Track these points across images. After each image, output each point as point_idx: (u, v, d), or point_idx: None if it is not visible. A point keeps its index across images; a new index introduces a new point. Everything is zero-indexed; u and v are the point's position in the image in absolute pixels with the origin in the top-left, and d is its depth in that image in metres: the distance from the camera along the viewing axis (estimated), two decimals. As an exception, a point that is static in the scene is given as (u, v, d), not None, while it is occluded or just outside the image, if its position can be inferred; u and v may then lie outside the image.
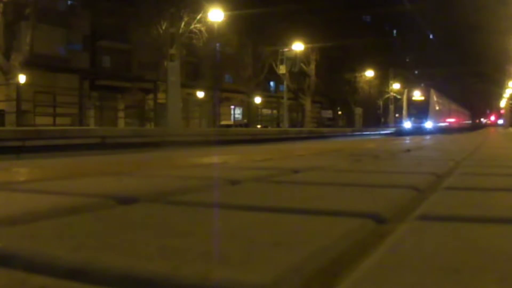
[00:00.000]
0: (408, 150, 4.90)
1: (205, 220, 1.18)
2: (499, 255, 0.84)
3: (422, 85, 41.31)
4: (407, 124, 35.88)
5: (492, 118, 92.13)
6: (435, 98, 38.48)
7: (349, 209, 1.28)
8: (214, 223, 1.16)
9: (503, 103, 64.34)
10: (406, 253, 0.86)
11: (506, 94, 54.79)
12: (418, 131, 30.27)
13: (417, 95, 37.53)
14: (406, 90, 38.52)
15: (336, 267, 0.80)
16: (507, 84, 47.56)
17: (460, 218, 1.19)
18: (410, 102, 36.82)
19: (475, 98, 72.98)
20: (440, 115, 39.92)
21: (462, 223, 1.13)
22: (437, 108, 38.78)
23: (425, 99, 36.96)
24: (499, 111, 78.63)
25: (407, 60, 58.46)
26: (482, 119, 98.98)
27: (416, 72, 49.29)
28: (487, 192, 1.72)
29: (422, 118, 35.77)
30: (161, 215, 1.26)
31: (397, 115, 44.84)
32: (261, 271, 0.73)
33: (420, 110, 36.01)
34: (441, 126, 37.28)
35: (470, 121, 65.60)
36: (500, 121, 74.40)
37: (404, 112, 37.30)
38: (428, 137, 14.40)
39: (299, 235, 0.99)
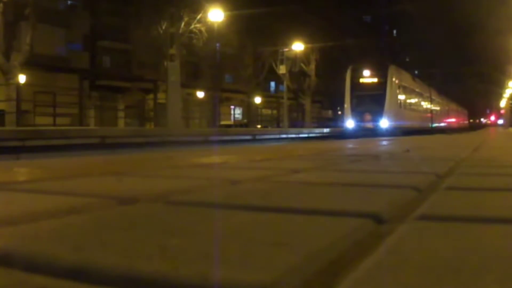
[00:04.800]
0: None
1: (205, 220, 1.18)
2: (499, 255, 0.84)
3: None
4: (350, 123, 23.73)
5: (492, 118, 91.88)
6: (397, 81, 24.78)
7: (349, 209, 1.28)
8: (214, 223, 1.16)
9: (503, 103, 64.29)
10: (406, 253, 0.86)
11: (506, 94, 54.69)
12: (369, 133, 20.52)
13: (367, 75, 24.45)
14: (349, 69, 24.90)
15: (336, 267, 0.80)
16: (507, 84, 47.47)
17: (460, 218, 1.19)
18: (356, 87, 24.18)
19: (475, 98, 72.78)
20: (409, 110, 27.55)
21: (462, 223, 1.13)
22: (401, 97, 25.72)
23: (379, 82, 23.95)
24: (499, 111, 78.43)
25: (407, 60, 58.43)
26: (482, 119, 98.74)
27: (416, 72, 48.78)
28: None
29: (375, 114, 23.39)
30: (161, 215, 1.26)
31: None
32: (260, 271, 0.73)
33: (371, 100, 23.48)
34: (410, 126, 25.49)
35: (466, 121, 61.08)
36: (500, 121, 74.20)
37: (347, 104, 24.34)
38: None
39: (299, 235, 0.99)
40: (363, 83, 24.28)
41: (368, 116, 23.47)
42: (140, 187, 1.80)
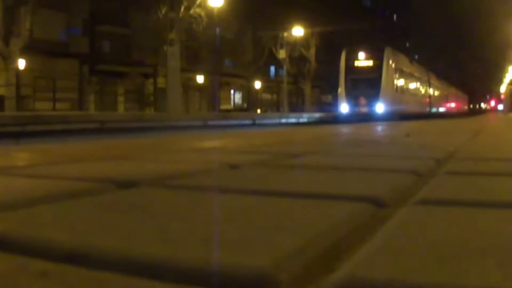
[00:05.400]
0: None
1: (205, 204, 1.18)
2: (500, 239, 0.84)
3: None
4: (344, 108, 22.95)
5: (492, 103, 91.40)
6: (393, 64, 23.99)
7: (349, 193, 1.28)
8: (214, 207, 1.16)
9: (503, 88, 63.99)
10: (406, 237, 0.86)
11: (506, 79, 54.38)
12: (364, 118, 19.59)
13: (362, 57, 23.53)
14: (344, 51, 23.95)
15: (336, 251, 0.80)
16: (507, 69, 47.14)
17: (460, 202, 1.18)
18: (350, 70, 23.29)
19: (475, 83, 72.29)
20: (406, 94, 26.71)
21: (462, 207, 1.13)
22: (398, 80, 24.79)
23: (375, 65, 23.11)
24: (499, 96, 77.96)
25: (407, 45, 57.99)
26: (482, 104, 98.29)
27: (416, 56, 48.25)
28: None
29: (370, 98, 22.52)
30: (161, 199, 1.26)
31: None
32: (260, 255, 0.73)
33: (366, 84, 22.62)
34: (407, 110, 24.61)
35: (465, 107, 59.96)
36: (500, 107, 73.84)
37: (341, 88, 23.49)
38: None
39: (300, 219, 0.99)
40: (357, 66, 23.42)
41: (363, 100, 22.73)
42: (139, 171, 1.80)
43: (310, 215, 1.02)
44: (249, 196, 1.26)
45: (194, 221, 0.98)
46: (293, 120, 24.14)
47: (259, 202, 1.19)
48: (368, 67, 23.22)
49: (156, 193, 1.35)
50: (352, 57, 23.56)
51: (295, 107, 37.75)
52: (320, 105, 40.97)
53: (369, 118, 19.64)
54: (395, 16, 62.49)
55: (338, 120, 20.15)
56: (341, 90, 23.51)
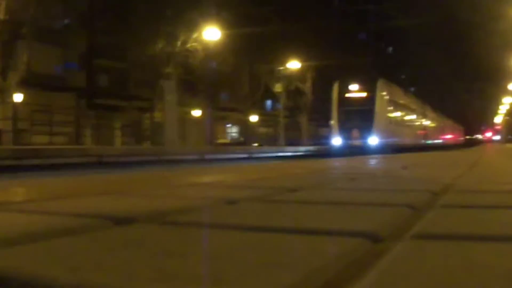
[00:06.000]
0: None
1: (202, 241, 1.18)
2: (495, 274, 0.84)
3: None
4: (336, 140, 22.71)
5: (488, 134, 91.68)
6: (386, 96, 23.78)
7: (345, 228, 1.29)
8: (211, 244, 1.16)
9: (498, 119, 64.35)
10: (402, 272, 0.87)
11: (502, 110, 54.76)
12: (357, 151, 19.14)
13: (355, 89, 23.43)
14: (336, 83, 23.86)
15: (332, 287, 0.80)
16: (502, 101, 47.61)
17: (456, 236, 1.19)
18: (343, 102, 23.07)
19: (470, 114, 72.70)
20: (401, 126, 26.28)
21: (458, 242, 1.13)
22: (392, 112, 24.60)
23: (368, 97, 22.83)
24: (494, 127, 78.37)
25: (403, 77, 58.68)
26: (478, 135, 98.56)
27: (412, 89, 48.62)
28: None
29: (364, 130, 22.21)
30: (157, 236, 1.26)
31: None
32: (257, 292, 0.73)
33: (359, 116, 22.26)
34: (402, 142, 24.22)
35: (461, 138, 59.99)
36: (496, 137, 74.06)
37: (333, 120, 23.34)
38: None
39: (295, 255, 1.00)
40: (350, 98, 23.16)
41: (356, 133, 22.42)
42: (136, 207, 1.80)
43: (306, 251, 1.02)
44: (245, 232, 1.27)
45: (191, 258, 0.98)
46: (289, 154, 24.17)
47: (255, 238, 1.19)
48: (361, 99, 22.95)
49: (153, 230, 1.35)
50: (345, 89, 23.38)
51: (292, 140, 37.79)
52: (317, 138, 41.10)
53: (363, 151, 19.35)
54: (390, 49, 63.46)
55: (330, 153, 19.77)
56: (333, 122, 23.28)
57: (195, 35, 22.56)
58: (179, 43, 21.98)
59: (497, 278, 0.82)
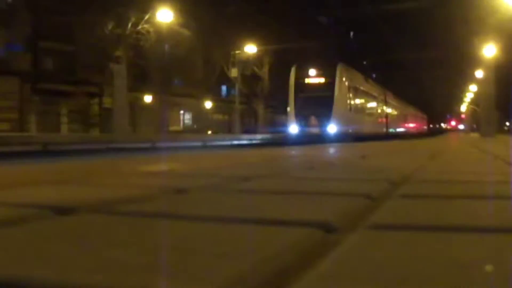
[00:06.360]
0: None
1: (148, 231, 1.15)
2: (450, 265, 0.85)
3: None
4: (293, 129, 21.68)
5: (453, 123, 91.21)
6: (346, 82, 22.69)
7: (299, 218, 1.27)
8: (157, 234, 1.13)
9: (463, 108, 64.75)
10: (353, 263, 0.86)
11: (467, 98, 55.00)
12: (315, 139, 18.53)
13: (313, 74, 22.12)
14: (293, 68, 22.60)
15: (281, 278, 0.79)
16: (468, 88, 47.75)
17: (413, 227, 1.19)
18: (301, 88, 21.83)
19: (435, 102, 71.87)
20: (361, 114, 25.46)
21: (414, 232, 1.13)
22: (352, 99, 23.47)
23: (326, 82, 21.72)
24: (459, 116, 77.34)
25: (364, 63, 58.97)
26: (442, 124, 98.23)
27: (374, 75, 48.18)
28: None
29: (322, 118, 21.12)
30: (102, 226, 1.22)
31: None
32: (203, 283, 0.72)
33: (317, 103, 21.02)
34: (362, 131, 23.54)
35: (425, 126, 58.84)
36: (461, 126, 73.54)
37: (290, 107, 22.15)
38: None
39: (245, 245, 0.98)
40: (308, 84, 21.92)
41: (314, 121, 21.47)
42: (81, 197, 1.73)
43: (255, 241, 1.00)
44: (194, 222, 1.24)
45: (136, 248, 0.95)
46: (245, 142, 24.10)
47: (204, 228, 1.17)
48: (319, 85, 21.80)
49: (96, 220, 1.31)
50: (303, 74, 22.14)
51: (248, 128, 37.49)
52: (275, 126, 41.01)
53: (321, 139, 18.79)
54: (351, 34, 63.65)
55: (287, 142, 19.16)
56: (290, 109, 22.11)
57: (146, 17, 21.96)
58: (130, 24, 21.38)
59: (449, 270, 0.82)
